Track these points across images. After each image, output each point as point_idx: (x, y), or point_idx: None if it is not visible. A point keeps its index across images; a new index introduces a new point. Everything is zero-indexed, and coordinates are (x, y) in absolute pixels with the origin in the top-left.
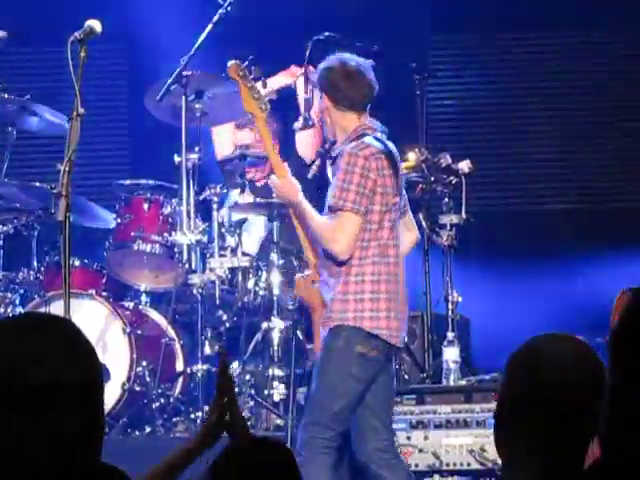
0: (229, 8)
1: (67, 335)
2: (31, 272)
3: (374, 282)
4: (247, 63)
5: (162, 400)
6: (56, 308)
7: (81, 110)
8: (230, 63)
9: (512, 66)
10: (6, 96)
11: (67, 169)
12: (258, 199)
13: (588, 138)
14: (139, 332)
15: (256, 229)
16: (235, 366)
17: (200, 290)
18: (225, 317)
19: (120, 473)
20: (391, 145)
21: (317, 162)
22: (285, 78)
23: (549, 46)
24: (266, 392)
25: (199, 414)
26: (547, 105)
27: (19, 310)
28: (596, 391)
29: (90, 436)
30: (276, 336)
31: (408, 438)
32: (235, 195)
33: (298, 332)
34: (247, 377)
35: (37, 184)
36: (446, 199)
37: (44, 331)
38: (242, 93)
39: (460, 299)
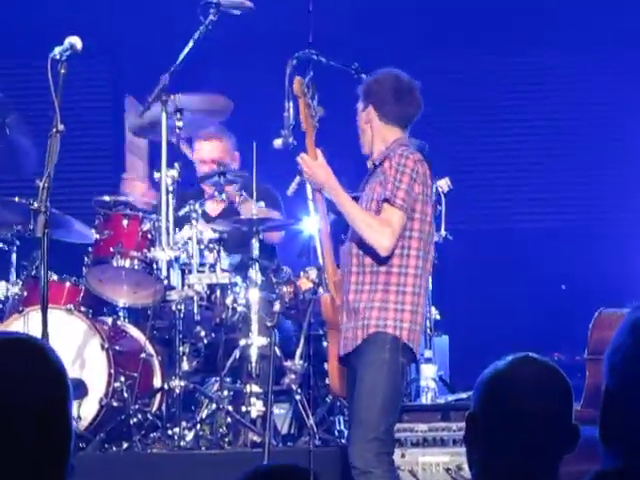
0: (210, 27)
1: (30, 353)
2: (9, 286)
3: (415, 294)
4: (307, 81)
5: (140, 416)
6: (34, 322)
7: (61, 126)
8: (296, 79)
9: (495, 84)
10: None
11: (46, 185)
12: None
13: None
14: (117, 347)
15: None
16: (213, 383)
17: (178, 306)
18: (203, 333)
19: None
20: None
21: (297, 179)
22: None
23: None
24: (244, 409)
25: (176, 430)
26: (528, 123)
27: None
28: (565, 409)
29: (54, 456)
30: (254, 353)
31: None
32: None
33: (276, 349)
34: (225, 393)
35: (16, 199)
36: None
37: (3, 350)
38: (301, 109)
39: (438, 317)
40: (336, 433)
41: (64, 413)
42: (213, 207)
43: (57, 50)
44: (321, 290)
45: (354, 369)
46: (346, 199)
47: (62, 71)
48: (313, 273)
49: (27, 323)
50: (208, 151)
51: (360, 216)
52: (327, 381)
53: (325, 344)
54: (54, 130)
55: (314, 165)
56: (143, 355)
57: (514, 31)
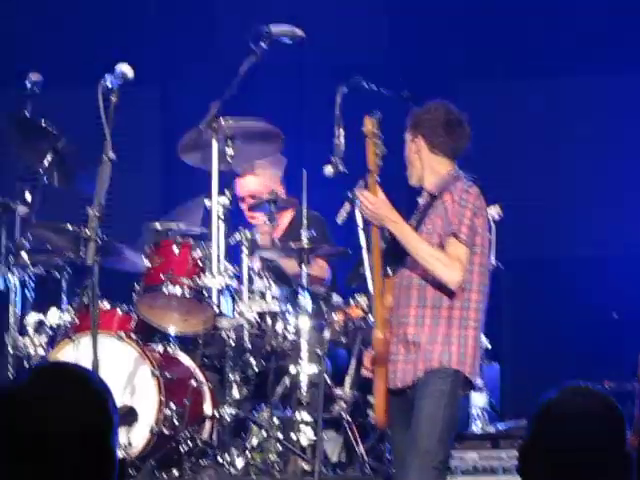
0: (261, 55)
1: (72, 381)
2: (61, 313)
3: (476, 329)
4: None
5: (190, 443)
6: (85, 349)
7: (111, 154)
8: (367, 119)
9: (548, 111)
10: (44, 124)
11: (97, 212)
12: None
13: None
14: (168, 375)
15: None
16: (263, 410)
17: (229, 334)
18: (253, 361)
19: None
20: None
21: (346, 207)
22: None
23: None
24: (294, 436)
25: (227, 457)
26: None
27: (49, 351)
28: (618, 439)
29: None
30: (304, 380)
31: None
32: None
33: (326, 377)
34: (275, 421)
35: (68, 226)
36: None
37: (49, 379)
38: (370, 149)
39: (489, 346)
40: (386, 461)
41: (106, 440)
42: (263, 235)
43: (108, 78)
44: (371, 318)
45: (409, 400)
46: (410, 233)
47: (113, 99)
48: (363, 301)
49: (78, 349)
50: (250, 184)
51: (428, 250)
52: (371, 414)
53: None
54: (105, 158)
55: (377, 201)
56: (193, 382)
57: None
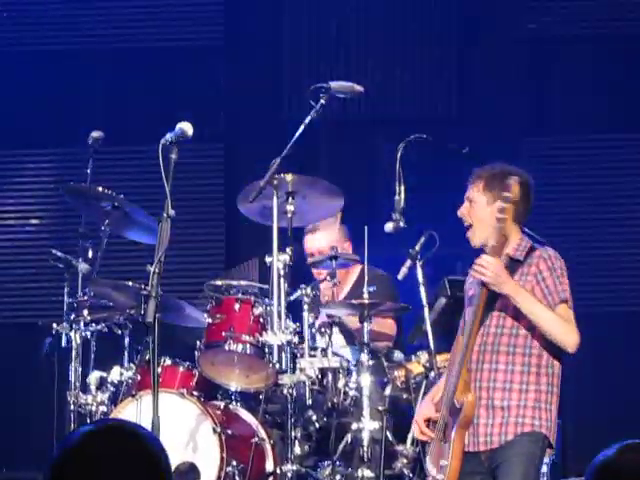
0: (320, 111)
1: (125, 439)
2: (123, 370)
3: (557, 394)
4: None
5: None
6: (147, 406)
7: (171, 212)
8: (515, 183)
9: (605, 168)
10: (100, 192)
11: (157, 270)
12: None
13: None
14: (229, 432)
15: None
16: (325, 467)
17: (290, 390)
18: (315, 417)
19: None
20: None
21: (407, 264)
22: None
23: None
24: None
25: None
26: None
27: (111, 409)
28: None
29: None
30: (366, 437)
31: None
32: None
33: (388, 433)
34: (337, 478)
35: (129, 283)
36: None
37: (100, 436)
38: (508, 217)
39: None
40: None
41: None
42: (326, 291)
43: (168, 136)
44: (432, 374)
45: (493, 463)
46: (530, 297)
47: (173, 156)
48: (424, 357)
49: (140, 407)
50: (313, 243)
51: (550, 315)
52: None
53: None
54: (164, 215)
55: (498, 267)
56: (255, 439)
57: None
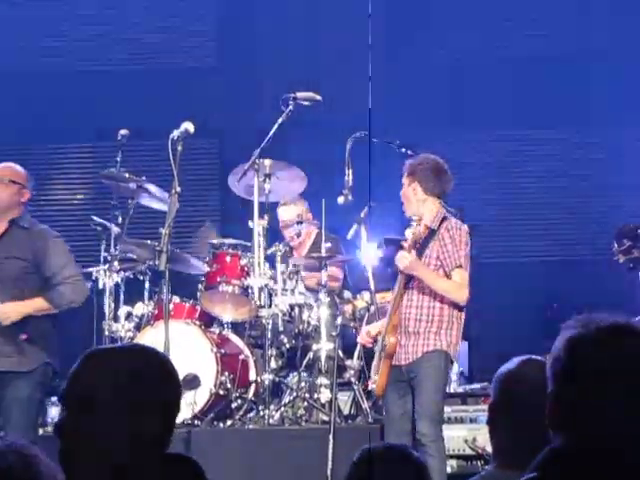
0: (289, 114)
1: (156, 361)
2: (144, 306)
3: (457, 324)
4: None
5: (239, 401)
6: (161, 332)
7: (178, 188)
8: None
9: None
10: (127, 176)
11: (167, 232)
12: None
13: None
14: (222, 351)
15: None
16: (293, 377)
17: (268, 320)
18: (286, 340)
19: (185, 458)
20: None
21: (355, 227)
22: None
23: None
24: (316, 396)
25: (266, 412)
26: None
27: (136, 334)
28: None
29: (163, 438)
30: (323, 355)
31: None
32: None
33: (339, 352)
34: (302, 384)
35: (148, 242)
36: None
37: (144, 357)
38: (417, 237)
39: None
40: (384, 413)
41: (178, 409)
42: (294, 249)
43: (175, 132)
44: (372, 308)
45: (411, 373)
46: (431, 274)
47: (179, 148)
48: (366, 296)
49: (156, 333)
50: (284, 212)
51: (446, 286)
52: (371, 385)
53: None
54: (173, 191)
55: (412, 260)
56: (242, 356)
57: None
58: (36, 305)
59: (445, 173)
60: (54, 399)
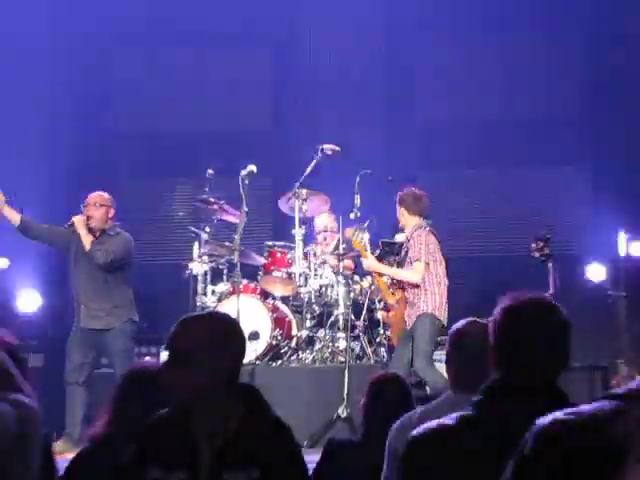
0: (318, 160)
1: (229, 323)
2: (223, 285)
3: (440, 295)
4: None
5: (286, 348)
6: (234, 303)
7: (245, 208)
8: (349, 231)
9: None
10: (212, 200)
11: (238, 237)
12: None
13: None
14: (275, 315)
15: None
16: (322, 332)
17: (305, 295)
18: (316, 308)
19: (250, 385)
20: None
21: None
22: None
23: None
24: (336, 344)
25: (303, 355)
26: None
27: (217, 304)
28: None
29: (234, 373)
30: (341, 317)
31: None
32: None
33: (351, 315)
34: (327, 337)
35: (226, 244)
36: None
37: (217, 321)
38: (354, 244)
39: None
40: (382, 357)
41: (243, 357)
42: (322, 248)
43: (243, 171)
44: (372, 287)
45: (413, 332)
46: (389, 269)
47: (246, 181)
48: (368, 280)
49: (231, 303)
50: (320, 221)
51: (401, 274)
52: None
53: (379, 315)
54: (242, 210)
55: (370, 262)
56: (287, 319)
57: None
58: None
59: (421, 199)
60: (143, 349)
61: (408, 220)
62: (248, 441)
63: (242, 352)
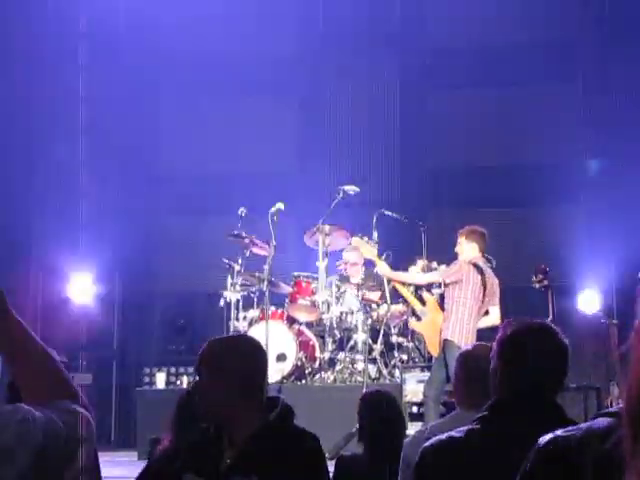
0: (341, 198)
1: (255, 346)
2: (253, 312)
3: (461, 321)
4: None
5: (310, 368)
6: (263, 328)
7: (274, 242)
8: (353, 241)
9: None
10: (244, 234)
11: (268, 268)
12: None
13: None
14: (300, 339)
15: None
16: (342, 355)
17: (327, 321)
18: (337, 332)
19: (277, 397)
20: (487, 263)
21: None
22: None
23: None
24: (355, 366)
25: (325, 375)
26: None
27: (248, 329)
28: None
29: (262, 386)
30: (360, 341)
31: None
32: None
33: (369, 340)
34: (347, 359)
35: (256, 274)
36: None
37: (248, 342)
38: (366, 254)
39: None
40: (397, 380)
41: (266, 376)
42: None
43: (272, 209)
44: (389, 314)
45: (444, 357)
46: (396, 275)
47: (275, 219)
48: (385, 307)
49: (261, 328)
50: (347, 256)
51: (407, 277)
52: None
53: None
54: (271, 244)
55: (383, 268)
56: (311, 342)
57: None
58: None
59: (482, 236)
60: None
61: (468, 253)
62: (263, 451)
63: (263, 369)
